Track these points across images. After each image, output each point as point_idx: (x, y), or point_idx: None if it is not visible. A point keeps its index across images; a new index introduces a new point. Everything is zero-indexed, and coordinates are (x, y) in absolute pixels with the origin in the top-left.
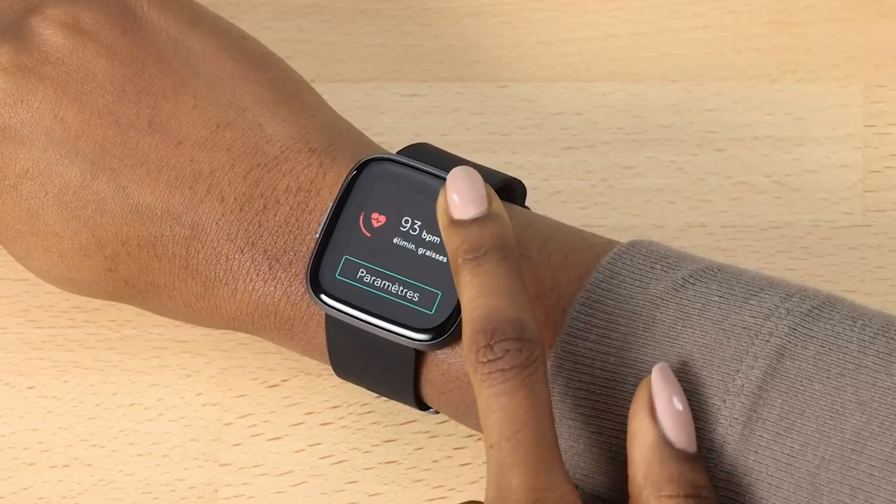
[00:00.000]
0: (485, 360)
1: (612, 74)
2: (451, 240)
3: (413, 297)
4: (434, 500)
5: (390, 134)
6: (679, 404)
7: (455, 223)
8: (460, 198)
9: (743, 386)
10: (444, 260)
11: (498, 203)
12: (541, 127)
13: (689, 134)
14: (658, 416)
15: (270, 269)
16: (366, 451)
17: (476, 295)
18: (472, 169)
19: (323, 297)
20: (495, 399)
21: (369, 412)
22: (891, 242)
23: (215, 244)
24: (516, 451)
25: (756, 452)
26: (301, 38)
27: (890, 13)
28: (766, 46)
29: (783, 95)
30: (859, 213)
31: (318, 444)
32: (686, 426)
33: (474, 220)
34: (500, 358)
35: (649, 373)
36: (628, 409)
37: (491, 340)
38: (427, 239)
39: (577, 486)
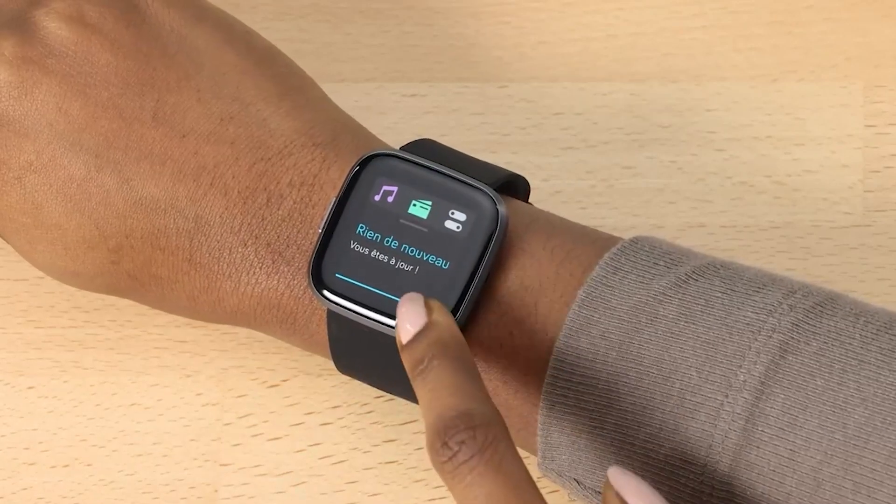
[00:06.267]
0: (445, 458)
1: (612, 74)
2: (404, 363)
3: None
4: (434, 500)
5: (390, 134)
6: (649, 492)
7: (402, 347)
8: (402, 320)
9: (745, 381)
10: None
11: (439, 310)
12: (541, 127)
13: (689, 134)
14: None
15: (273, 262)
16: (366, 451)
17: (427, 403)
18: (413, 294)
19: (325, 292)
20: (469, 491)
21: (369, 412)
22: (891, 242)
23: (219, 237)
24: None
25: (758, 448)
26: (301, 38)
27: (890, 13)
28: (766, 46)
29: (783, 95)
30: (859, 213)
31: (318, 444)
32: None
33: (416, 336)
34: (457, 452)
35: (648, 374)
36: (630, 404)
37: (445, 438)
38: None
39: (577, 482)
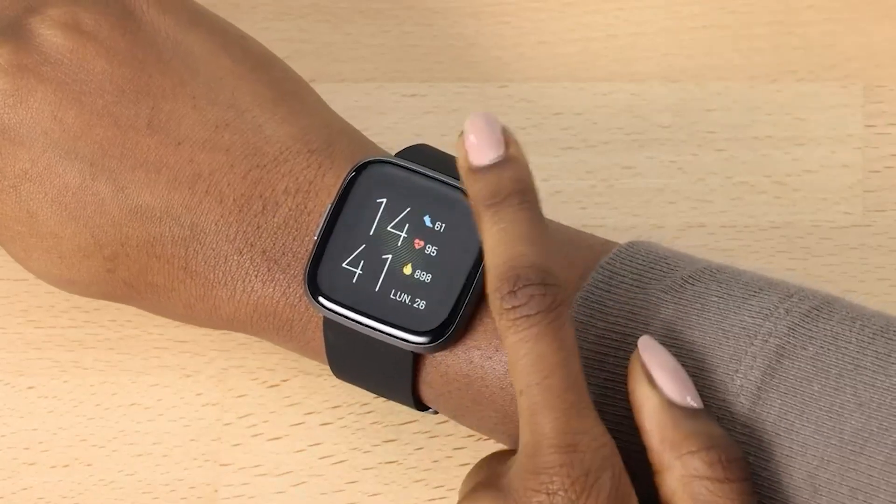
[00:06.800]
0: (509, 306)
1: (612, 74)
2: (471, 187)
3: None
4: (434, 500)
5: (390, 134)
6: (672, 363)
7: (473, 170)
8: (478, 140)
9: (742, 386)
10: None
11: (516, 146)
12: (541, 127)
13: (689, 134)
14: (656, 380)
15: (269, 270)
16: (366, 451)
17: (497, 242)
18: (490, 113)
19: (321, 299)
20: (522, 345)
21: (369, 412)
22: (891, 242)
23: (214, 245)
24: (546, 396)
25: (756, 453)
26: (301, 38)
27: (890, 13)
28: (766, 46)
29: (783, 95)
30: (859, 213)
31: (318, 444)
32: (685, 382)
33: (492, 165)
34: (524, 304)
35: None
36: (626, 409)
37: (514, 287)
38: None
39: None
